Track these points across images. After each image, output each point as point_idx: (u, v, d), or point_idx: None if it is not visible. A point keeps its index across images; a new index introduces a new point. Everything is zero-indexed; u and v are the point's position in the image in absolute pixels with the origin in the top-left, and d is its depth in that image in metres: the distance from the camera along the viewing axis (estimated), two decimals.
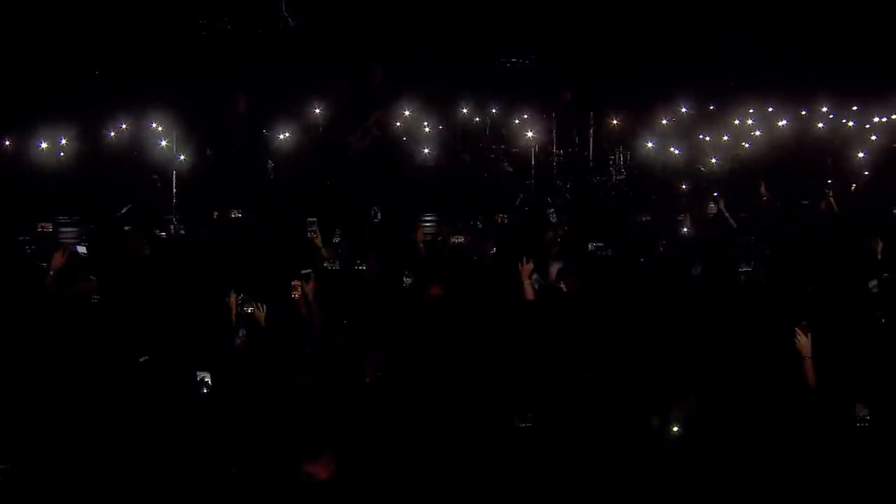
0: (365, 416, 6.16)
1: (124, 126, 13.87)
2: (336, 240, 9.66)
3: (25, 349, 7.06)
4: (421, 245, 9.81)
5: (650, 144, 14.71)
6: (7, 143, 13.59)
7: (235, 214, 10.92)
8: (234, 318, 7.64)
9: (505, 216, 11.37)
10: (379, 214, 10.79)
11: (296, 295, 7.86)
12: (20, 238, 10.06)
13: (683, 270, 8.73)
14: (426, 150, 14.01)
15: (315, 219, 9.34)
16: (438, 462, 5.66)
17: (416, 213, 12.52)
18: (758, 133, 16.02)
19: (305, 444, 5.27)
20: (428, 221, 12.73)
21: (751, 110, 16.59)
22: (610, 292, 8.50)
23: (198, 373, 6.21)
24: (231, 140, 12.77)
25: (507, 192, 13.85)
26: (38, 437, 5.94)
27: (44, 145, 13.30)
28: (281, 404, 6.38)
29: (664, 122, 15.40)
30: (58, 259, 8.10)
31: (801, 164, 15.14)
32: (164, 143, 12.96)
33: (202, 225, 11.15)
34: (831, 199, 11.81)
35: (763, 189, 12.41)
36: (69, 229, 11.79)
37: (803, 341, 6.63)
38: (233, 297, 7.66)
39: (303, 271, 7.76)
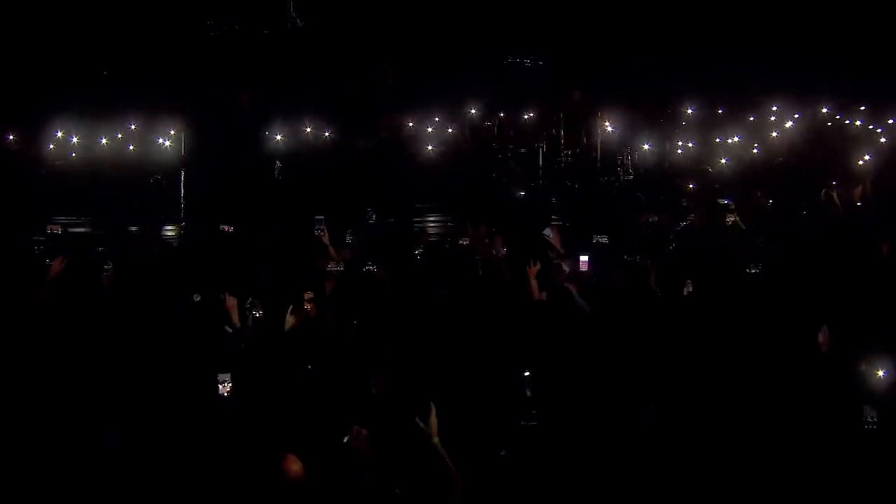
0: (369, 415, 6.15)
1: (132, 126, 13.88)
2: (349, 240, 9.60)
3: (22, 351, 7.07)
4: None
5: (658, 145, 14.68)
6: (16, 142, 13.62)
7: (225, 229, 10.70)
8: (235, 319, 7.65)
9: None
10: (374, 216, 10.69)
11: (308, 307, 7.84)
12: (32, 238, 10.05)
13: (692, 270, 8.71)
14: (433, 151, 13.98)
15: (323, 217, 9.20)
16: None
17: (422, 213, 12.51)
18: (774, 134, 15.93)
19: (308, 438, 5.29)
20: (433, 222, 12.73)
21: (752, 116, 16.52)
22: (618, 293, 8.51)
23: (220, 375, 6.16)
24: (237, 141, 12.76)
25: (514, 192, 13.82)
26: (40, 438, 5.95)
27: (52, 146, 13.34)
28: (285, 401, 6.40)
29: (669, 123, 15.36)
30: (56, 267, 8.09)
31: (805, 164, 15.05)
32: (169, 143, 12.96)
33: (206, 228, 11.13)
34: (835, 199, 11.72)
35: (754, 199, 12.33)
36: (79, 230, 11.80)
37: (823, 340, 6.72)
38: (231, 299, 7.66)
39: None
